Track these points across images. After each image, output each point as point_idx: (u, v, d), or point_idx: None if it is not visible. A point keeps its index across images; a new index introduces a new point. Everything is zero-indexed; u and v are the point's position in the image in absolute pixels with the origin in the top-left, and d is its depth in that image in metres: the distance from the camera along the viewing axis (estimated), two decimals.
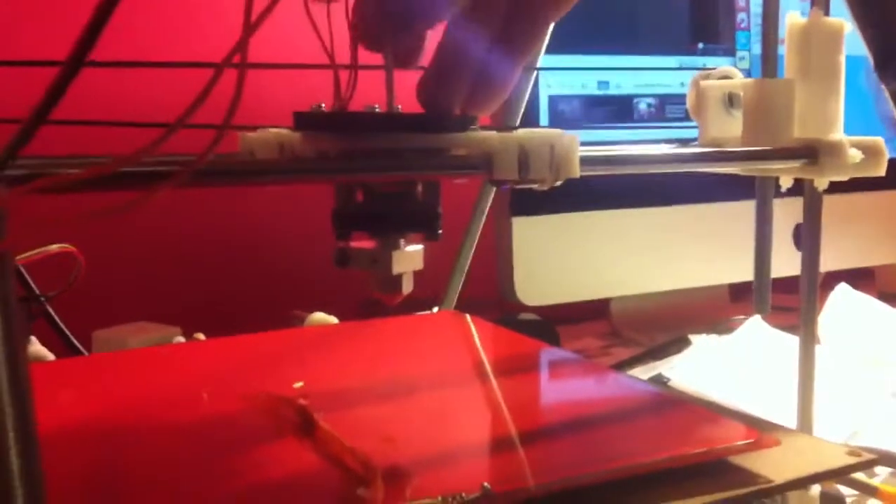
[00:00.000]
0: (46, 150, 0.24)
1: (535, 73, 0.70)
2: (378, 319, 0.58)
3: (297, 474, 0.35)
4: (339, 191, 0.34)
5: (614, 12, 0.88)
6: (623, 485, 0.33)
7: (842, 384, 0.65)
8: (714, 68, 0.49)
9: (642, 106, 0.89)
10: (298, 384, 0.45)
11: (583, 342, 0.91)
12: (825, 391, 0.48)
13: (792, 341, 0.68)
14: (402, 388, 0.46)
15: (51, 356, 0.53)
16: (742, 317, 0.83)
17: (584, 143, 0.34)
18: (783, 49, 0.46)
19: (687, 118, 0.50)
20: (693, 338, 0.81)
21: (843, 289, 0.82)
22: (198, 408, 0.43)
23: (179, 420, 0.41)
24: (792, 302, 0.58)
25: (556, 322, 0.86)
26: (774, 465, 0.35)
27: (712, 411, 0.44)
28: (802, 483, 0.36)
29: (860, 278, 0.95)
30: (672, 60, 0.90)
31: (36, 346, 0.53)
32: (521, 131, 0.33)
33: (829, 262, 0.48)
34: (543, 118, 0.84)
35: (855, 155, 0.41)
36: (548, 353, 0.57)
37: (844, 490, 0.47)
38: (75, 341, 0.60)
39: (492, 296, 0.84)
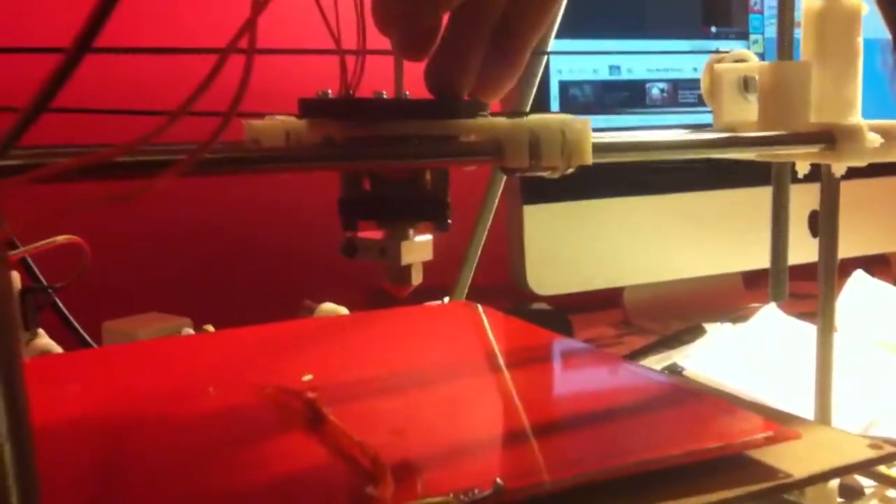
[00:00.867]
0: (48, 140, 0.24)
1: (546, 57, 0.69)
2: (388, 310, 0.58)
3: (305, 469, 0.34)
4: (346, 179, 0.33)
5: None
6: (638, 480, 0.32)
7: (859, 372, 0.64)
8: (728, 51, 0.48)
9: (655, 91, 0.88)
10: (308, 377, 0.44)
11: (596, 331, 0.91)
12: (842, 379, 0.47)
13: (808, 329, 0.67)
14: (412, 380, 0.46)
15: (58, 349, 0.53)
16: (757, 305, 0.83)
17: (595, 130, 0.33)
18: (799, 32, 0.45)
19: (700, 103, 0.49)
20: (708, 326, 0.81)
21: (859, 276, 0.81)
22: (207, 400, 0.43)
23: (188, 412, 0.41)
24: (806, 289, 0.57)
25: (568, 311, 0.86)
26: (794, 459, 0.35)
27: (729, 403, 0.44)
28: (823, 478, 0.35)
29: (876, 265, 0.94)
30: (684, 44, 0.89)
31: (44, 339, 0.53)
32: (533, 117, 0.32)
33: (844, 248, 0.47)
34: (554, 104, 0.83)
35: (874, 139, 0.41)
36: (560, 344, 0.56)
37: (863, 481, 0.47)
38: (84, 333, 0.59)
39: (503, 285, 0.84)
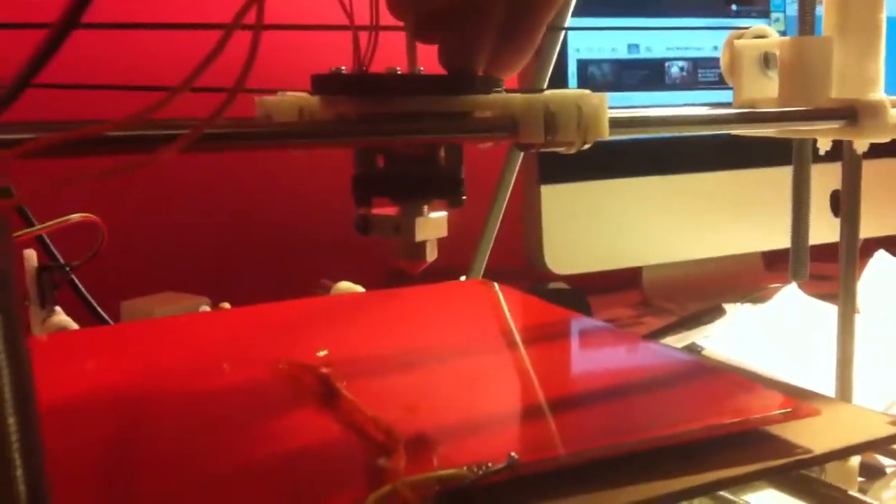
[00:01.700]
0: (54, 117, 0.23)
1: (563, 34, 0.68)
2: (404, 288, 0.58)
3: (319, 443, 0.34)
4: (360, 156, 0.33)
5: None
6: (656, 455, 0.32)
7: (880, 352, 0.63)
8: (748, 27, 0.47)
9: (674, 70, 0.87)
10: (322, 352, 0.44)
11: (614, 311, 0.90)
12: (863, 359, 0.47)
13: (829, 309, 0.66)
14: (427, 357, 0.46)
15: (75, 326, 0.53)
16: (777, 285, 0.82)
17: (613, 108, 0.32)
18: (821, 9, 0.44)
19: (721, 82, 0.48)
20: (727, 307, 0.80)
21: (881, 256, 0.80)
22: (222, 376, 0.43)
23: (203, 388, 0.41)
24: (826, 270, 0.56)
25: (586, 291, 0.85)
26: (814, 435, 0.34)
27: (749, 379, 0.43)
28: (843, 454, 0.35)
29: None
30: (704, 23, 0.88)
31: (61, 316, 0.53)
32: (548, 92, 0.32)
33: (866, 228, 0.46)
34: (572, 83, 0.82)
35: None
36: (578, 323, 0.56)
37: (884, 461, 0.46)
38: (101, 310, 0.60)
39: (520, 265, 0.83)
